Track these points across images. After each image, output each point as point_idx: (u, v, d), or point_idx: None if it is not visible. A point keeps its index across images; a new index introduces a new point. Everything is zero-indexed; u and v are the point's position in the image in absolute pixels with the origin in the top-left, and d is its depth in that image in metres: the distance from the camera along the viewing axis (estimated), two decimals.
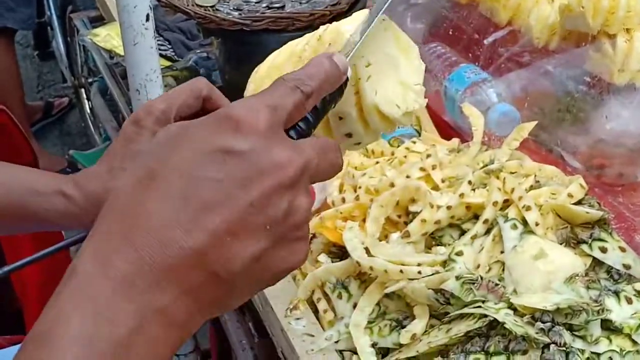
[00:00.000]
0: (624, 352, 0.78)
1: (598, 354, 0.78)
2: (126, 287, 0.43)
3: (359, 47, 0.60)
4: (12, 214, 0.72)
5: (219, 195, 0.45)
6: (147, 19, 1.05)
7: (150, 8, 1.05)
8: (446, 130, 1.21)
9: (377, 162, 1.08)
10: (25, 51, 3.84)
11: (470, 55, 1.27)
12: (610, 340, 0.78)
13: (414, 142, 1.10)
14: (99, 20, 1.97)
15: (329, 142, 0.51)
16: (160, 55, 1.31)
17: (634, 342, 0.79)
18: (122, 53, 1.32)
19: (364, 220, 0.95)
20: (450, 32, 1.33)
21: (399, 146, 1.11)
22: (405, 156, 1.06)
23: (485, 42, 1.25)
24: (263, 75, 0.73)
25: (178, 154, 0.46)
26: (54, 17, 3.10)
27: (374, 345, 0.85)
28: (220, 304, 0.48)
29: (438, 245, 0.91)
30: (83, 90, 2.86)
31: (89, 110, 2.82)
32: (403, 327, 0.85)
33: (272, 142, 0.46)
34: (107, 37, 1.73)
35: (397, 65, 0.65)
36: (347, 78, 0.55)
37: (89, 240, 0.46)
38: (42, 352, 0.42)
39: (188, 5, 1.30)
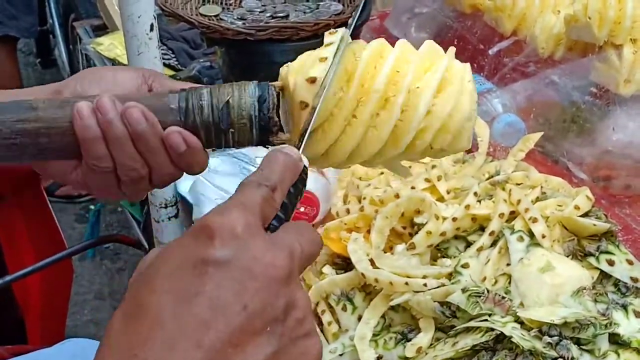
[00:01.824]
0: None
1: None
2: None
3: (308, 137, 0.61)
4: None
5: (210, 309, 0.43)
6: (152, 29, 1.05)
7: (155, 18, 1.05)
8: None
9: (382, 173, 1.08)
10: (27, 59, 3.84)
11: (474, 65, 1.27)
12: (618, 355, 0.78)
13: None
14: (101, 29, 1.98)
15: (299, 223, 0.51)
16: (164, 64, 1.31)
17: None
18: (125, 62, 1.31)
19: (368, 232, 0.95)
20: (455, 42, 1.33)
21: None
22: (410, 167, 1.05)
23: (490, 52, 1.25)
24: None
25: (161, 277, 0.45)
26: (56, 25, 3.10)
27: (379, 358, 0.85)
28: None
29: (444, 257, 0.91)
30: None
31: None
32: (408, 340, 0.84)
33: (250, 243, 0.46)
34: (111, 46, 1.73)
35: None
36: (305, 166, 0.56)
37: None
38: None
39: (192, 15, 1.30)
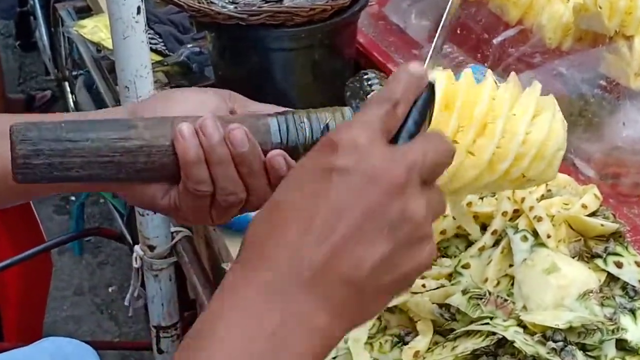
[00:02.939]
0: None
1: None
2: (268, 293, 0.51)
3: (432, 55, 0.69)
4: None
5: (334, 210, 0.51)
6: (138, 12, 1.04)
7: (142, 0, 1.04)
8: None
9: None
10: (6, 41, 3.82)
11: (478, 55, 1.26)
12: None
13: None
14: (85, 11, 1.96)
15: (429, 134, 0.57)
16: (151, 49, 1.30)
17: None
18: (110, 46, 1.30)
19: None
20: (458, 31, 1.32)
21: None
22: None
23: (494, 41, 1.24)
24: None
25: (293, 183, 0.54)
26: (37, 6, 3.08)
27: None
28: (357, 311, 0.53)
29: (443, 256, 0.90)
30: (67, 83, 2.84)
31: (72, 105, 2.81)
32: (405, 343, 0.84)
33: (371, 152, 0.52)
34: (95, 29, 1.72)
35: None
36: (431, 83, 0.59)
37: (234, 264, 0.54)
38: (201, 346, 0.50)
39: None
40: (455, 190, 0.76)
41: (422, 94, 0.58)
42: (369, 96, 0.58)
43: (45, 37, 3.05)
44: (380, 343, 0.85)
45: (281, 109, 0.72)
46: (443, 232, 0.90)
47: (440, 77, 0.75)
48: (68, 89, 2.85)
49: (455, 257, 0.89)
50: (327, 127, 0.69)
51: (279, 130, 0.68)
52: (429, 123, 0.60)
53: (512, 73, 0.78)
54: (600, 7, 1.05)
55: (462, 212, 0.88)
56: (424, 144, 0.55)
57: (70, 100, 2.83)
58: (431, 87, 0.59)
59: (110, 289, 2.48)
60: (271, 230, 0.53)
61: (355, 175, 0.52)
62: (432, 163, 0.54)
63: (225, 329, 0.50)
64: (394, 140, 0.56)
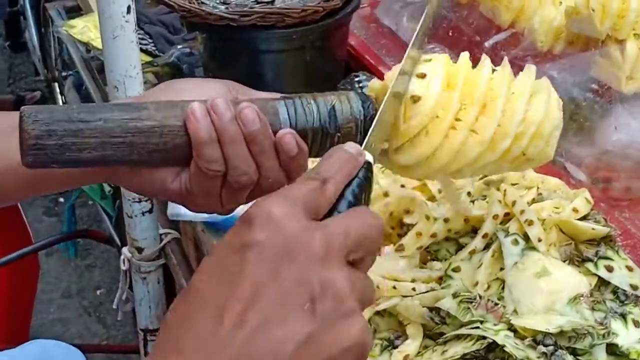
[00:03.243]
0: None
1: None
2: None
3: (373, 131, 0.64)
4: None
5: (248, 290, 0.47)
6: (128, 11, 1.03)
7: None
8: None
9: None
10: None
11: (470, 57, 1.26)
12: None
13: None
14: (75, 11, 1.95)
15: (357, 209, 0.53)
16: (141, 49, 1.29)
17: None
18: (99, 46, 1.29)
19: None
20: (450, 33, 1.32)
21: None
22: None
23: (486, 44, 1.24)
24: None
25: (208, 261, 0.51)
26: (27, 6, 3.06)
27: None
28: None
29: (434, 260, 0.90)
30: (56, 84, 2.82)
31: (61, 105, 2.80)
32: (395, 347, 0.83)
33: (286, 224, 0.49)
34: (84, 29, 1.71)
35: None
36: (369, 163, 0.57)
37: (152, 354, 0.51)
38: None
39: None
40: (456, 171, 0.76)
41: (357, 174, 0.55)
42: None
43: (35, 38, 3.03)
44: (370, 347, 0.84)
45: (289, 95, 0.72)
46: (434, 235, 0.90)
47: (439, 60, 0.75)
48: (57, 90, 2.84)
49: (445, 260, 0.89)
50: (333, 108, 0.69)
51: (287, 113, 0.68)
52: (367, 204, 0.57)
53: (505, 59, 0.78)
54: (593, 10, 1.05)
55: (456, 196, 0.87)
56: (348, 217, 0.52)
57: (60, 101, 2.82)
58: (369, 166, 0.57)
59: (98, 292, 2.47)
60: (183, 320, 0.49)
61: (269, 249, 0.48)
62: (357, 237, 0.51)
63: None
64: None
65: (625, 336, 0.79)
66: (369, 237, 0.52)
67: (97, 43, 1.59)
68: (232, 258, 0.49)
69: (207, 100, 0.65)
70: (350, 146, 0.56)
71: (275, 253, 0.48)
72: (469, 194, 0.91)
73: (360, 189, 0.55)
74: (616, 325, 0.79)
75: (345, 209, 0.54)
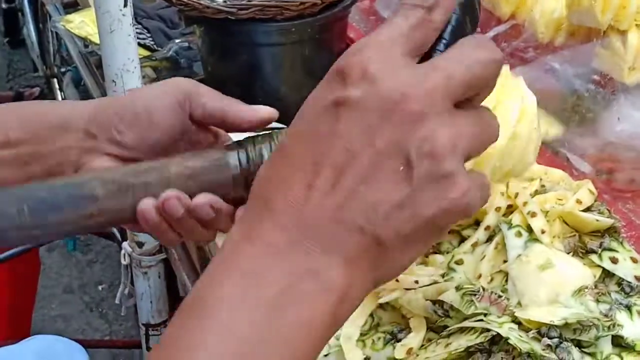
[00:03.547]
0: None
1: None
2: (272, 251, 0.46)
3: None
4: (34, 150, 0.69)
5: (342, 152, 0.45)
6: (125, 5, 1.02)
7: None
8: None
9: None
10: None
11: None
12: (622, 358, 0.76)
13: None
14: (72, 6, 1.94)
15: (465, 42, 0.46)
16: (139, 44, 1.28)
17: None
18: (97, 41, 1.28)
19: None
20: None
21: None
22: None
23: (486, 36, 1.23)
24: None
25: (299, 120, 0.48)
26: (25, 2, 3.06)
27: (366, 359, 0.83)
28: (377, 264, 0.47)
29: (436, 253, 0.89)
30: (55, 80, 2.82)
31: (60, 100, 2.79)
32: (398, 340, 0.83)
33: (385, 79, 0.44)
34: (82, 23, 1.70)
35: None
36: None
37: (238, 223, 0.49)
38: (196, 315, 0.45)
39: None
40: None
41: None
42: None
43: (33, 34, 3.03)
44: (373, 340, 0.84)
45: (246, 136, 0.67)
46: None
47: None
48: (57, 86, 2.83)
49: (448, 253, 0.88)
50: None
51: (239, 161, 0.64)
52: (474, 29, 0.49)
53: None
54: (594, 1, 1.04)
55: None
56: (454, 55, 0.45)
57: (59, 97, 2.81)
58: None
59: (100, 287, 2.46)
60: (275, 181, 0.47)
61: (365, 109, 0.44)
62: (469, 78, 0.45)
63: (221, 300, 0.45)
64: (428, 56, 0.46)
65: (631, 328, 0.78)
66: (479, 75, 0.45)
67: (95, 38, 1.58)
68: (323, 117, 0.46)
69: (159, 197, 0.62)
70: None
71: (371, 113, 0.44)
72: None
73: (472, 9, 0.48)
74: (621, 317, 0.79)
75: (453, 39, 0.46)
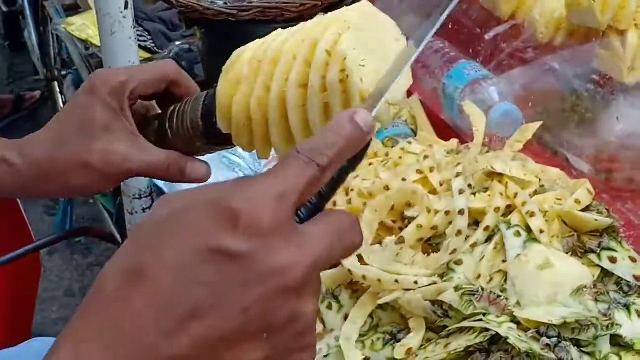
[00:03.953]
0: None
1: None
2: None
3: (386, 92, 0.55)
4: None
5: (210, 300, 0.42)
6: (126, 7, 1.03)
7: None
8: (444, 130, 1.19)
9: (371, 164, 1.06)
10: None
11: (470, 50, 1.25)
12: (620, 357, 0.76)
13: (410, 143, 1.08)
14: (73, 9, 1.95)
15: (345, 222, 0.47)
16: (140, 46, 1.29)
17: None
18: (98, 43, 1.29)
19: None
20: (450, 26, 1.31)
21: (393, 147, 1.09)
22: (400, 157, 1.04)
23: (486, 36, 1.23)
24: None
25: (170, 248, 0.43)
26: (26, 5, 3.06)
27: (366, 359, 0.83)
28: None
29: (435, 252, 0.89)
30: (56, 83, 2.82)
31: (62, 105, 2.79)
32: (398, 341, 0.83)
33: (274, 240, 0.43)
34: (83, 26, 1.70)
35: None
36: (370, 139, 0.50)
37: (66, 339, 0.45)
38: None
39: None
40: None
41: (358, 154, 0.48)
42: (298, 146, 0.47)
43: (34, 37, 3.03)
44: (372, 341, 0.84)
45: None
46: (434, 228, 0.89)
47: None
48: (57, 89, 2.83)
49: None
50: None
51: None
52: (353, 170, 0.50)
53: None
54: (594, 1, 1.04)
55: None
56: (336, 235, 0.46)
57: (60, 101, 2.82)
58: (368, 145, 0.50)
59: None
60: (125, 297, 0.43)
61: (246, 268, 0.42)
62: (337, 256, 0.47)
63: None
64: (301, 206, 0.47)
65: (630, 327, 0.78)
66: (346, 256, 0.48)
67: (96, 40, 1.58)
68: (202, 259, 0.43)
69: None
70: (362, 117, 0.48)
71: (250, 274, 0.43)
72: (470, 186, 0.90)
73: (351, 169, 0.49)
74: (620, 316, 0.79)
75: (330, 196, 0.48)
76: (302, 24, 0.69)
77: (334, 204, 0.98)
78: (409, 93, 1.26)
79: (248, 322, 0.43)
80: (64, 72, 2.60)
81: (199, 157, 0.78)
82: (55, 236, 1.71)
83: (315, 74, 0.64)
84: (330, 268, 0.47)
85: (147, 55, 1.59)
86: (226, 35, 1.28)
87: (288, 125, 0.67)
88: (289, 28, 0.69)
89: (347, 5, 1.28)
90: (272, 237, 0.43)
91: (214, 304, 0.42)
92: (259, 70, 0.67)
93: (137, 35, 1.15)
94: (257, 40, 0.70)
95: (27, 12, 3.06)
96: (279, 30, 0.70)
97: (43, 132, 0.73)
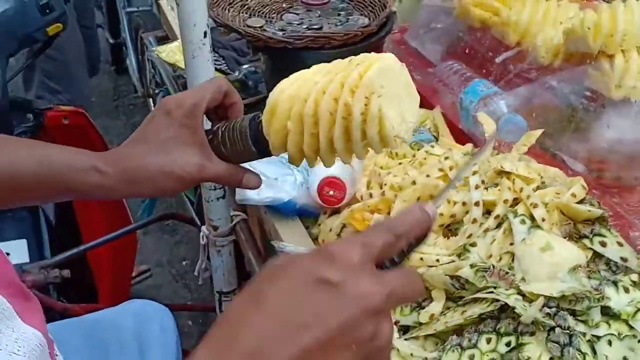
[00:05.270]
0: (621, 336, 0.73)
1: (598, 337, 0.73)
2: None
3: (446, 195, 0.57)
4: (52, 186, 0.71)
5: (314, 318, 0.44)
6: (205, 36, 1.02)
7: (208, 26, 1.02)
8: (460, 137, 1.16)
9: (401, 163, 1.04)
10: (104, 67, 3.85)
11: (483, 71, 1.22)
12: (609, 325, 0.74)
13: (432, 147, 1.06)
14: (165, 39, 1.96)
15: (412, 273, 0.50)
16: (216, 69, 1.28)
17: (631, 327, 0.74)
18: (183, 67, 1.29)
19: (388, 213, 0.91)
20: (466, 52, 1.28)
21: (419, 149, 1.07)
22: (425, 158, 1.02)
23: (496, 60, 1.20)
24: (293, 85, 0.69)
25: (284, 279, 0.46)
26: (128, 37, 3.10)
27: (396, 323, 0.81)
28: None
29: (454, 236, 0.87)
30: (151, 99, 2.85)
31: None
32: (422, 308, 0.81)
33: (361, 274, 0.46)
34: (171, 53, 1.71)
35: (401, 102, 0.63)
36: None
37: (202, 348, 0.45)
38: None
39: (240, 26, 1.27)
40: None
41: (424, 233, 0.51)
42: (378, 220, 0.52)
43: (134, 62, 3.06)
44: (402, 307, 0.82)
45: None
46: (453, 216, 0.87)
47: None
48: (152, 104, 2.86)
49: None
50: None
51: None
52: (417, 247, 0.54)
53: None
54: (589, 28, 1.00)
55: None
56: (402, 279, 0.48)
57: None
58: (431, 226, 0.53)
59: (184, 263, 2.48)
60: (250, 316, 0.45)
61: (342, 292, 0.45)
62: (404, 295, 0.48)
63: None
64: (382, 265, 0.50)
65: (617, 300, 0.75)
66: (412, 296, 0.49)
67: (181, 64, 1.58)
68: (306, 285, 0.45)
69: None
70: (430, 208, 0.52)
71: (344, 296, 0.45)
72: (483, 182, 0.88)
73: (418, 245, 0.52)
74: (609, 291, 0.76)
75: (401, 259, 0.51)
76: (326, 66, 0.67)
77: (370, 195, 0.97)
78: (433, 106, 1.24)
79: (342, 335, 0.44)
80: (157, 90, 2.62)
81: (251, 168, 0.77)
82: (149, 219, 1.72)
83: (357, 130, 0.63)
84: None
85: (222, 76, 1.58)
86: (284, 59, 1.27)
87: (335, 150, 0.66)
88: (309, 72, 0.68)
89: (381, 37, 1.26)
90: (360, 271, 0.46)
91: (317, 321, 0.44)
92: (301, 122, 0.65)
93: (214, 59, 1.14)
94: (287, 81, 0.68)
95: (129, 42, 3.10)
96: (299, 75, 0.68)
97: (127, 146, 0.73)
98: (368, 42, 1.24)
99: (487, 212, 0.87)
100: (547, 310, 0.73)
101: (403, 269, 0.50)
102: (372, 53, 0.66)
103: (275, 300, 0.45)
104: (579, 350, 0.70)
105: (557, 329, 0.72)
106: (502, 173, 0.90)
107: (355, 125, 0.62)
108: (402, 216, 0.51)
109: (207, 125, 0.76)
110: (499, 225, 0.85)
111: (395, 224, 0.50)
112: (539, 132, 0.97)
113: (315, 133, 0.64)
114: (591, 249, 0.81)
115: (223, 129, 0.74)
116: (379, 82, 0.60)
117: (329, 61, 1.29)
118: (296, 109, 0.65)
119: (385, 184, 0.95)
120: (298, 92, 0.66)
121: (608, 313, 0.75)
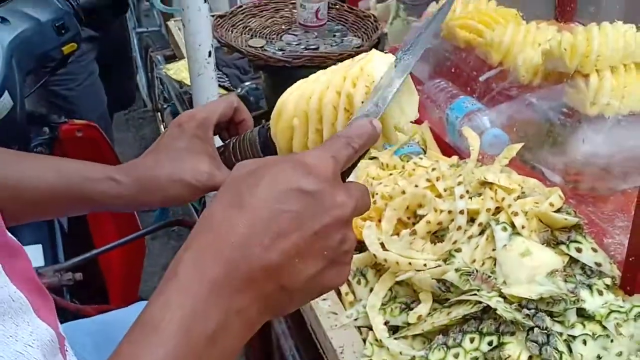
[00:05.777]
0: (595, 336, 0.73)
1: (574, 337, 0.73)
2: (217, 290, 0.44)
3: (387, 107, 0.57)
4: (71, 198, 0.71)
5: (293, 224, 0.45)
6: (209, 55, 1.03)
7: (212, 46, 1.03)
8: (447, 150, 1.17)
9: (391, 174, 1.04)
10: None
11: (468, 89, 1.23)
12: (584, 326, 0.74)
13: (421, 158, 1.06)
14: (172, 58, 1.96)
15: (365, 188, 0.51)
16: (219, 85, 1.29)
17: (604, 328, 0.74)
18: (189, 83, 1.30)
19: (379, 221, 0.92)
20: (452, 70, 1.29)
21: (408, 161, 1.08)
22: (413, 169, 1.02)
23: (480, 78, 1.21)
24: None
25: (263, 187, 0.46)
26: (138, 56, 3.10)
27: (386, 323, 0.82)
28: (281, 309, 0.48)
29: (440, 242, 0.87)
30: (159, 113, 2.85)
31: (162, 129, 2.82)
32: (411, 309, 0.81)
33: (334, 186, 0.48)
34: (178, 70, 1.72)
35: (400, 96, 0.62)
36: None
37: (188, 250, 0.46)
38: (150, 336, 0.43)
39: (242, 46, 1.28)
40: None
41: (370, 146, 0.53)
42: (338, 132, 0.53)
43: (143, 79, 3.07)
44: (391, 308, 0.82)
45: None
46: (440, 223, 0.87)
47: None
48: (160, 118, 2.86)
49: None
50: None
51: None
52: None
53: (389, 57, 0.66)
54: (565, 49, 1.01)
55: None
56: (362, 194, 0.50)
57: (161, 126, 2.84)
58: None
59: None
60: (234, 220, 0.45)
61: (318, 202, 0.46)
62: (360, 210, 0.50)
63: (173, 328, 0.43)
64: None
65: (592, 302, 0.76)
66: (363, 212, 0.51)
67: (188, 81, 1.59)
68: (286, 194, 0.46)
69: None
70: (376, 122, 0.53)
71: (320, 206, 0.46)
72: (467, 192, 0.88)
73: (362, 156, 0.54)
74: (584, 293, 0.76)
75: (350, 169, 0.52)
76: (330, 67, 0.68)
77: None
78: (421, 121, 1.24)
79: (317, 241, 0.46)
80: (164, 105, 2.63)
81: None
82: (157, 225, 1.72)
83: None
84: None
85: (225, 92, 1.59)
86: (283, 77, 1.27)
87: None
88: (312, 77, 0.67)
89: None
90: (332, 183, 0.48)
91: (295, 227, 0.45)
92: (306, 119, 0.65)
93: (218, 77, 1.15)
94: (294, 86, 0.68)
95: (139, 60, 3.11)
96: (302, 81, 0.68)
97: (144, 157, 0.73)
98: None
99: (471, 220, 0.87)
100: (526, 311, 0.73)
101: (362, 184, 0.51)
102: (373, 49, 0.65)
103: (257, 206, 0.46)
104: (556, 349, 0.70)
105: (536, 329, 0.72)
106: (485, 184, 0.90)
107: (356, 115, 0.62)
108: (356, 130, 0.52)
109: (219, 143, 0.76)
110: (482, 232, 0.85)
111: (353, 138, 0.51)
112: (519, 145, 0.98)
113: (320, 129, 0.64)
114: (567, 254, 0.81)
115: (234, 141, 0.74)
116: (380, 73, 0.60)
117: None
118: (301, 106, 0.65)
119: (377, 194, 0.95)
120: (303, 91, 0.66)
121: (583, 314, 0.75)
